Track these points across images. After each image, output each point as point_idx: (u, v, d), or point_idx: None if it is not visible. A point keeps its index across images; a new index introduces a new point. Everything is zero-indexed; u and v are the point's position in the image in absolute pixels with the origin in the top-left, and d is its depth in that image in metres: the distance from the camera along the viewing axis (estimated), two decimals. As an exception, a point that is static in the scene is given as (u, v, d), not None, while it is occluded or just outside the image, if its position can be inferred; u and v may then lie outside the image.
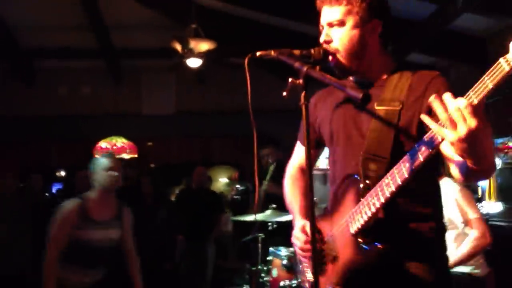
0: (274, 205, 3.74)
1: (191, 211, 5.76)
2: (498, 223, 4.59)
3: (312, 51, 1.63)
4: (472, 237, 3.01)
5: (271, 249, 3.22)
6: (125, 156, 6.92)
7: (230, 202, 7.23)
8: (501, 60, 1.15)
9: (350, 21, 1.61)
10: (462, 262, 2.99)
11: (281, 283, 2.93)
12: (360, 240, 1.51)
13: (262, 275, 3.37)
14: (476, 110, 1.16)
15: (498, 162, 4.97)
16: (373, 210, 1.45)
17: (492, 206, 4.96)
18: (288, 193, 1.94)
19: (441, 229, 1.64)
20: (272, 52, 1.64)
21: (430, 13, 4.46)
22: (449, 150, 1.32)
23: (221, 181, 9.13)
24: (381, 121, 1.56)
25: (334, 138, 1.71)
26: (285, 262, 2.98)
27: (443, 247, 1.64)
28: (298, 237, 1.73)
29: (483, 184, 4.98)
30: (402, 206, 1.52)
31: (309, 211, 1.42)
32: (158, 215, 5.53)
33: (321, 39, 1.64)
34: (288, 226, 3.83)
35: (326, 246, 1.69)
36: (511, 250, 3.51)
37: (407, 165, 1.34)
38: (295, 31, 5.82)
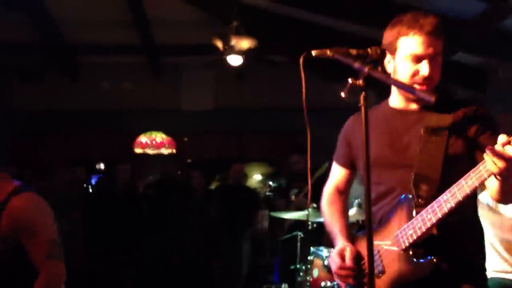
0: (314, 205, 3.71)
1: (228, 207, 5.78)
2: None
3: (369, 50, 1.60)
4: None
5: (312, 248, 3.19)
6: (164, 151, 7.02)
7: (263, 199, 7.24)
8: None
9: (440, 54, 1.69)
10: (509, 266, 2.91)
11: (322, 284, 2.89)
12: (411, 253, 1.60)
13: (301, 274, 3.35)
14: None
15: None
16: (428, 225, 1.54)
17: None
18: (327, 214, 1.98)
19: (483, 249, 1.76)
20: (328, 52, 1.62)
21: (478, 12, 4.34)
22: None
23: (255, 177, 9.15)
24: (430, 146, 1.64)
25: (378, 161, 1.72)
26: (326, 262, 2.96)
27: (483, 266, 1.73)
28: (335, 261, 1.79)
29: None
30: (454, 226, 1.60)
31: (368, 239, 1.43)
32: (208, 210, 5.56)
33: (425, 72, 1.65)
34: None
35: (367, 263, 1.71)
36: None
37: (469, 182, 1.46)
38: (338, 29, 5.75)
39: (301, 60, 1.68)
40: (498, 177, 1.42)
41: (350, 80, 1.48)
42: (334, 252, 1.81)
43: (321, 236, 3.70)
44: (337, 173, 2.01)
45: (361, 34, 5.39)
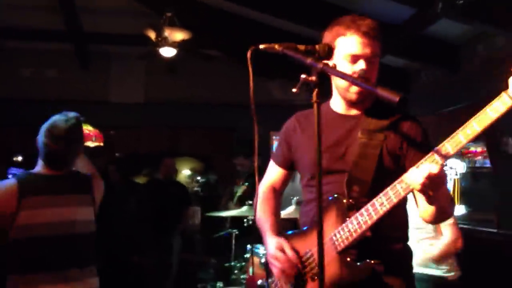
0: (250, 202, 3.70)
1: (158, 202, 5.67)
2: (460, 226, 4.75)
3: (317, 47, 1.59)
4: (445, 240, 3.07)
5: (248, 246, 3.17)
6: (91, 144, 6.68)
7: (192, 195, 7.16)
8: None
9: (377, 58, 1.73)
10: (430, 262, 3.06)
11: (259, 282, 2.88)
12: (348, 256, 1.63)
13: (235, 271, 3.32)
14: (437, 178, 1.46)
15: (462, 166, 5.14)
16: (364, 227, 1.59)
17: (456, 210, 5.12)
18: (259, 211, 1.94)
19: (409, 248, 1.85)
20: (277, 46, 1.60)
21: (405, 18, 4.55)
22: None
23: (184, 172, 9.02)
24: (366, 149, 1.69)
25: (313, 166, 1.70)
26: (263, 260, 2.94)
27: (411, 264, 1.83)
28: (277, 257, 1.74)
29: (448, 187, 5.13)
30: (384, 227, 1.65)
31: (318, 225, 1.40)
32: (128, 204, 5.41)
33: (362, 70, 1.68)
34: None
35: (306, 264, 1.74)
36: (473, 253, 3.60)
37: (404, 186, 1.53)
38: (274, 26, 5.77)
39: (249, 54, 1.63)
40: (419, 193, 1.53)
41: (303, 76, 1.45)
42: (272, 247, 1.76)
43: (258, 234, 3.71)
44: (274, 172, 2.01)
45: (297, 32, 5.45)
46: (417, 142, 1.72)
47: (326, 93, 1.77)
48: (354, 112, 1.80)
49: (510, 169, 4.28)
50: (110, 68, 7.48)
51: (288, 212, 3.02)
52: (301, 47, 1.59)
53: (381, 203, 1.57)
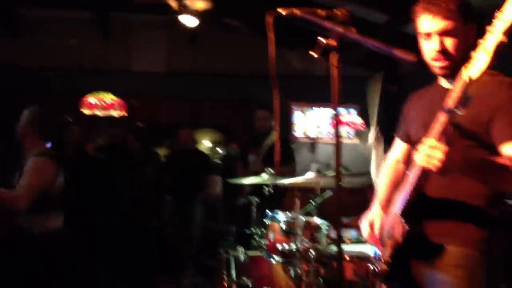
0: (270, 169, 3.72)
1: (179, 171, 5.72)
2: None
3: (338, 12, 1.58)
4: None
5: (268, 212, 3.21)
6: (114, 113, 6.77)
7: (218, 165, 7.21)
8: None
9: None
10: None
11: (279, 247, 2.93)
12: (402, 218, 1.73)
13: (256, 238, 3.38)
14: None
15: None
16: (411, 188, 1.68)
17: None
18: (382, 180, 2.13)
19: None
20: (298, 11, 1.59)
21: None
22: None
23: (205, 144, 9.08)
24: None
25: (413, 139, 1.94)
26: (283, 226, 2.99)
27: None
28: (364, 229, 2.01)
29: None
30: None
31: None
32: (146, 173, 5.48)
33: (436, 47, 1.72)
34: (283, 191, 3.83)
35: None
36: None
37: None
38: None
39: (270, 20, 1.62)
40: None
41: (323, 40, 1.45)
42: (365, 219, 2.01)
43: (278, 201, 3.74)
44: (397, 147, 2.15)
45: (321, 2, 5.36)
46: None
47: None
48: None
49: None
50: (131, 37, 7.48)
51: (306, 178, 3.04)
52: (322, 12, 1.58)
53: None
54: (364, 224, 2.01)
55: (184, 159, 5.82)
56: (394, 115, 2.30)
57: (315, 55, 1.49)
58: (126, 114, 6.94)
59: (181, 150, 5.98)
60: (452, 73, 1.73)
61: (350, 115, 7.84)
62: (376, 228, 1.95)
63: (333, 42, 1.44)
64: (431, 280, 1.74)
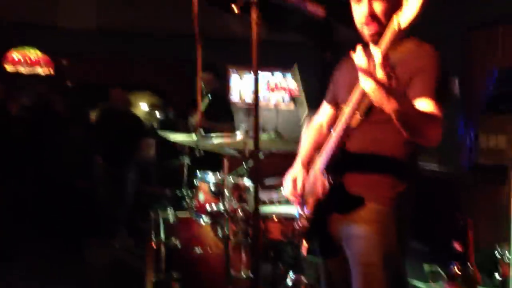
0: (202, 131, 3.66)
1: (111, 134, 5.57)
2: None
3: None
4: None
5: (198, 173, 3.19)
6: (40, 71, 6.40)
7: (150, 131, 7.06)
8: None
9: None
10: None
11: (208, 208, 2.94)
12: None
13: (187, 199, 3.36)
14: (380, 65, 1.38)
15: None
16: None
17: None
18: (304, 141, 2.16)
19: None
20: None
21: None
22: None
23: (142, 107, 8.84)
24: None
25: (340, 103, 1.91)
26: (212, 187, 2.99)
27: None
28: (287, 186, 2.02)
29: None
30: None
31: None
32: (72, 134, 5.29)
33: (364, 11, 1.75)
34: (214, 153, 3.81)
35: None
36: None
37: None
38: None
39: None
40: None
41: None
42: (288, 176, 2.03)
43: (212, 162, 3.70)
44: (324, 111, 2.16)
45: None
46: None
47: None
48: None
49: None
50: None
51: (234, 139, 3.03)
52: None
53: None
54: (287, 180, 2.04)
55: (115, 121, 5.64)
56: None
57: (236, 10, 1.46)
58: (53, 73, 6.59)
59: (112, 111, 5.78)
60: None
61: (286, 81, 7.90)
62: (298, 184, 1.98)
63: (254, -5, 1.41)
64: (347, 234, 1.82)
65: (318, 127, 2.15)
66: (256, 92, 1.43)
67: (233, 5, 1.48)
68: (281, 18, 5.37)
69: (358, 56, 1.40)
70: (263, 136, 3.36)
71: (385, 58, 1.37)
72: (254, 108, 1.45)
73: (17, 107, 5.43)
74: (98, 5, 7.10)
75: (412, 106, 1.56)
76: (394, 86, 1.40)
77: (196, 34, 1.52)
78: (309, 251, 1.93)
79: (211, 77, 4.84)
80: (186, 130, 5.02)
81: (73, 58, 6.82)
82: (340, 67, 2.09)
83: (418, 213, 1.88)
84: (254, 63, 1.40)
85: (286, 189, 2.01)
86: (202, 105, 4.81)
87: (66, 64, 6.71)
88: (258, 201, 1.56)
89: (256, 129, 1.49)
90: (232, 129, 4.56)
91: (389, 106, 1.45)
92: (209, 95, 4.84)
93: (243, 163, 3.26)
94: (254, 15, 1.39)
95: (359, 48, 1.43)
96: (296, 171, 2.03)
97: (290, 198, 2.01)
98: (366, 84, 1.40)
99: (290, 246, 2.90)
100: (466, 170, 4.82)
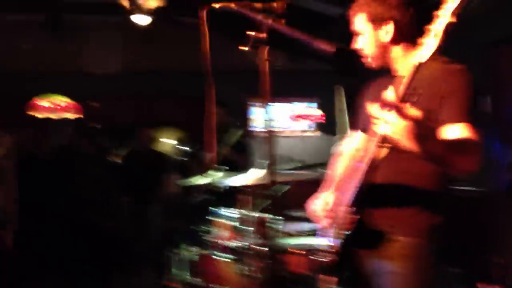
0: (227, 167, 3.68)
1: (136, 172, 5.68)
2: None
3: (275, 4, 1.57)
4: None
5: (217, 210, 3.20)
6: (70, 116, 6.58)
7: (176, 164, 7.13)
8: None
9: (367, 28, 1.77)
10: None
11: (230, 244, 2.93)
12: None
13: (207, 236, 3.35)
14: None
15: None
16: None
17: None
18: (335, 166, 2.13)
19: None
20: (232, 5, 1.58)
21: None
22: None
23: (166, 142, 8.96)
24: None
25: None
26: (234, 223, 2.98)
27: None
28: (316, 208, 1.98)
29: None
30: None
31: None
32: (99, 174, 5.39)
33: (354, 45, 1.83)
34: (237, 190, 3.81)
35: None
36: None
37: None
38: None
39: (203, 14, 1.60)
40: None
41: (252, 33, 1.44)
42: (319, 200, 1.98)
43: (233, 198, 3.69)
44: (356, 136, 2.10)
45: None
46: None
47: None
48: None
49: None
50: (84, 38, 7.29)
51: (256, 177, 3.01)
52: (258, 5, 1.58)
53: None
54: (316, 203, 1.99)
55: (141, 159, 5.77)
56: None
57: (245, 49, 1.48)
58: (82, 116, 6.78)
59: (138, 150, 5.92)
60: (381, 64, 1.83)
61: (310, 109, 7.95)
62: (328, 208, 1.93)
63: (262, 35, 1.43)
64: (379, 270, 1.75)
65: (353, 153, 2.10)
66: (269, 129, 1.43)
67: (241, 46, 1.50)
68: (299, 47, 5.46)
69: (372, 107, 1.44)
70: (287, 166, 3.36)
71: (407, 87, 1.40)
72: (269, 143, 1.46)
73: (45, 150, 5.60)
74: (121, 49, 7.32)
75: (439, 141, 1.50)
76: (414, 126, 1.38)
77: (207, 72, 1.54)
78: (336, 284, 1.88)
79: (220, 110, 4.92)
80: (201, 166, 5.04)
81: (99, 101, 7.01)
82: (365, 93, 2.05)
83: (452, 237, 1.81)
84: (264, 97, 1.42)
85: (315, 211, 1.98)
86: (234, 137, 4.86)
87: (97, 107, 6.90)
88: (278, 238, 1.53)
89: (271, 163, 1.48)
90: (245, 161, 4.62)
91: (410, 146, 1.42)
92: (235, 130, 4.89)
93: (266, 198, 3.25)
94: (263, 53, 1.41)
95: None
96: (326, 195, 1.98)
97: (317, 220, 1.97)
98: (382, 130, 1.41)
99: (312, 279, 2.84)
100: (503, 189, 4.66)
